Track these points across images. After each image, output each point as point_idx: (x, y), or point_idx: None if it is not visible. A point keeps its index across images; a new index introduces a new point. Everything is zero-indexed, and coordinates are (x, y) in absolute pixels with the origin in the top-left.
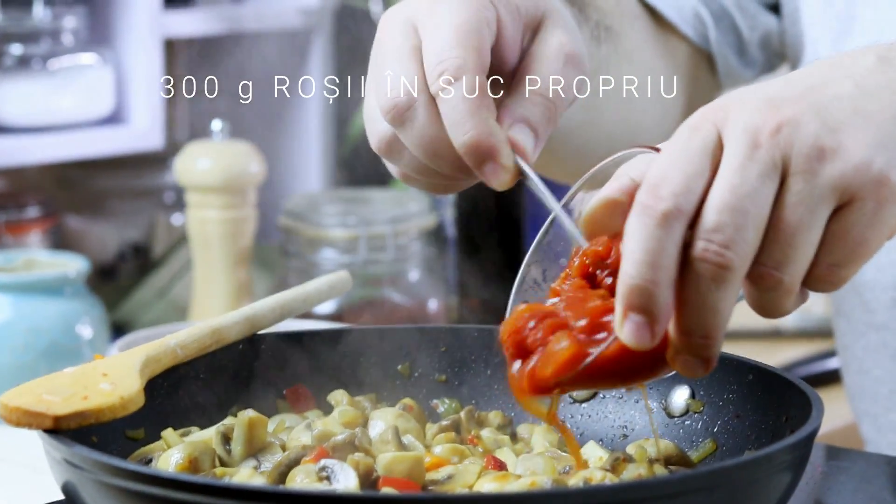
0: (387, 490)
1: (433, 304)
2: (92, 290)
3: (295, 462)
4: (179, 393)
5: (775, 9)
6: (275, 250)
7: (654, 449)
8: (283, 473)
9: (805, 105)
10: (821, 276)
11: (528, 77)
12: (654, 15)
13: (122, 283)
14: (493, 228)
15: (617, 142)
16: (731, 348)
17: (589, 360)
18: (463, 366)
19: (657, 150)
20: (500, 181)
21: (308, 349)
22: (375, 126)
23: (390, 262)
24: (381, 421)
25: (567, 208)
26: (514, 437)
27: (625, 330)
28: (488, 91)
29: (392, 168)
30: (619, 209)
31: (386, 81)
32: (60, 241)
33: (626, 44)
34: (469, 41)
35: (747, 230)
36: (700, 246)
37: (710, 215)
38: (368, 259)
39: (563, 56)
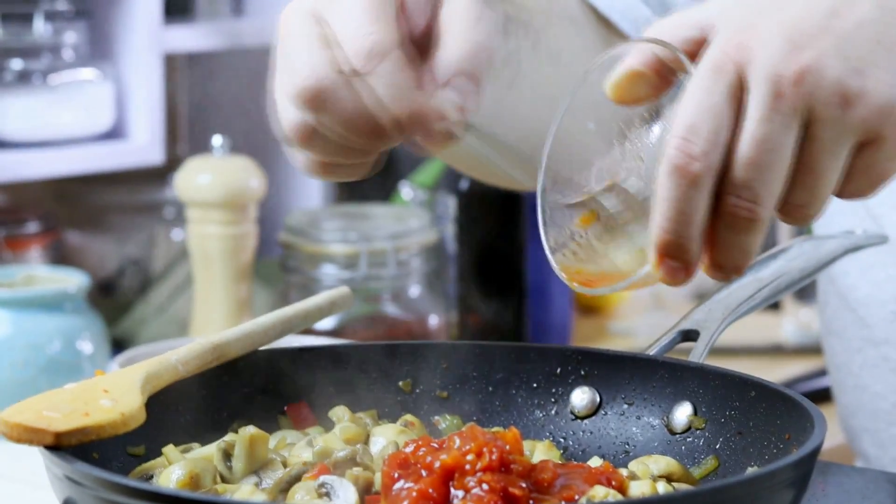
0: None
1: (434, 320)
2: (92, 306)
3: (296, 478)
4: (180, 409)
5: None
6: (275, 266)
7: (656, 466)
8: (283, 490)
9: (827, 42)
10: (843, 196)
11: (442, 37)
12: (604, 22)
13: (122, 298)
14: (493, 244)
15: (537, 140)
16: (731, 364)
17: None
18: (464, 382)
19: (664, 44)
20: (449, 139)
21: (309, 365)
22: (287, 116)
23: (391, 278)
24: (383, 437)
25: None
26: None
27: (661, 272)
28: (414, 59)
29: (302, 159)
30: (644, 80)
31: (300, 69)
32: (60, 256)
33: (551, 43)
34: (383, 16)
35: (773, 182)
36: (731, 202)
37: (738, 171)
38: (369, 275)
39: (472, 16)
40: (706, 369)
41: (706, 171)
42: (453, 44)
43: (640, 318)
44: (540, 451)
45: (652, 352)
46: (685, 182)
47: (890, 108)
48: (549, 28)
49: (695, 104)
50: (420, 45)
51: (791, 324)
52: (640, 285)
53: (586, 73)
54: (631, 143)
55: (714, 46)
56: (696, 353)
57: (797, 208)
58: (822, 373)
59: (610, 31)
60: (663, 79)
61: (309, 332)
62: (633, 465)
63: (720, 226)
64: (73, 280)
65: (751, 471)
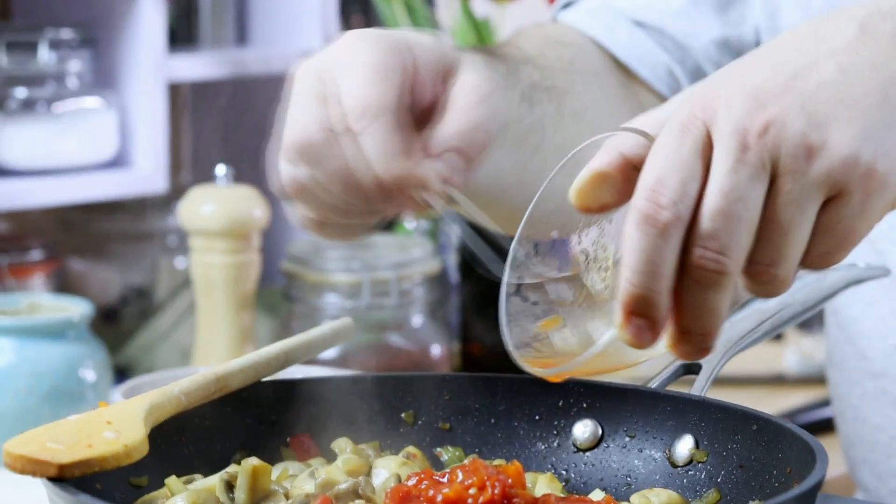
0: None
1: (436, 350)
2: (95, 334)
3: None
4: (183, 440)
5: None
6: (278, 294)
7: (658, 499)
8: None
9: (790, 100)
10: (812, 263)
11: (445, 111)
12: (624, 69)
13: (125, 326)
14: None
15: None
16: (733, 394)
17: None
18: (466, 414)
19: (643, 133)
20: (428, 208)
21: (311, 397)
22: (282, 169)
23: (394, 308)
24: (385, 469)
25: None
26: None
27: (627, 333)
28: (408, 127)
29: (297, 215)
30: (609, 183)
31: (293, 124)
32: (63, 283)
33: (575, 103)
34: (388, 79)
35: (741, 234)
36: (697, 253)
37: (705, 222)
38: (372, 304)
39: (477, 96)
40: (708, 402)
41: (675, 221)
42: (453, 119)
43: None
44: (542, 484)
45: (654, 384)
46: (654, 231)
47: (854, 161)
48: (573, 87)
49: (663, 158)
50: (424, 117)
51: (793, 354)
52: (600, 361)
53: (554, 171)
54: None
55: (681, 107)
56: (698, 387)
57: (764, 270)
58: (824, 403)
59: (630, 78)
60: (628, 182)
61: (311, 361)
62: (635, 499)
63: (687, 283)
64: (76, 308)
65: None
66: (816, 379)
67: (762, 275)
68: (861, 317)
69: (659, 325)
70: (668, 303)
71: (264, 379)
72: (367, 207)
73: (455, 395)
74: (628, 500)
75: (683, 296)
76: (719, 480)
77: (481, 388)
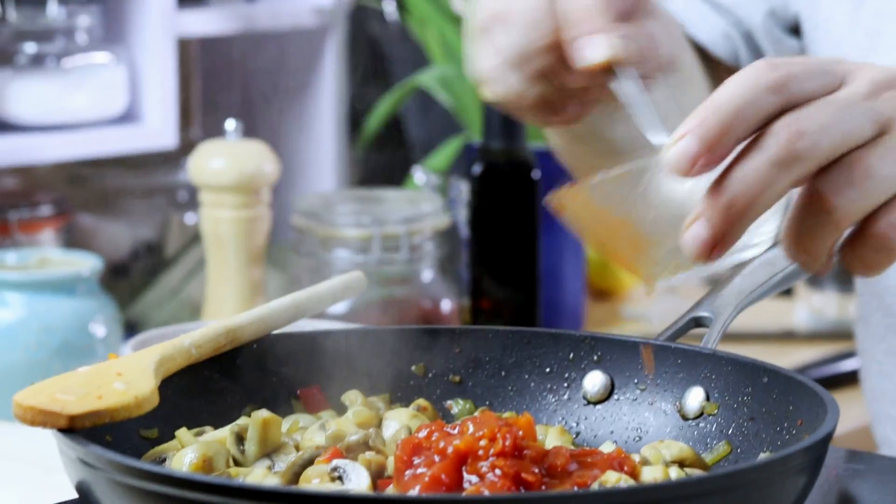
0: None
1: (446, 305)
2: (105, 289)
3: (308, 462)
4: (193, 392)
5: (796, 31)
6: (288, 250)
7: (668, 451)
8: (296, 473)
9: None
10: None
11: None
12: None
13: (135, 281)
14: (506, 229)
15: None
16: (743, 350)
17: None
18: (477, 367)
19: None
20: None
21: (322, 349)
22: (504, 77)
23: (404, 263)
24: (396, 421)
25: None
26: None
27: (675, 147)
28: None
29: (523, 105)
30: None
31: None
32: (73, 239)
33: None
34: None
35: (828, 144)
36: (780, 122)
37: (804, 112)
38: (382, 259)
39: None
40: (718, 355)
41: (782, 85)
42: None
43: (653, 303)
44: (552, 437)
45: (664, 337)
46: (761, 82)
47: None
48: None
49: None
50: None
51: (803, 310)
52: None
53: None
54: None
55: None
56: (709, 339)
57: (827, 198)
58: (834, 359)
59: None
60: None
61: (322, 316)
62: (646, 451)
63: (751, 147)
64: (86, 263)
65: (763, 456)
66: (827, 335)
67: (824, 202)
68: (889, 272)
69: (703, 155)
70: (727, 148)
71: (274, 332)
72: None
73: (466, 349)
74: (639, 453)
75: (739, 157)
76: (730, 433)
77: (492, 342)
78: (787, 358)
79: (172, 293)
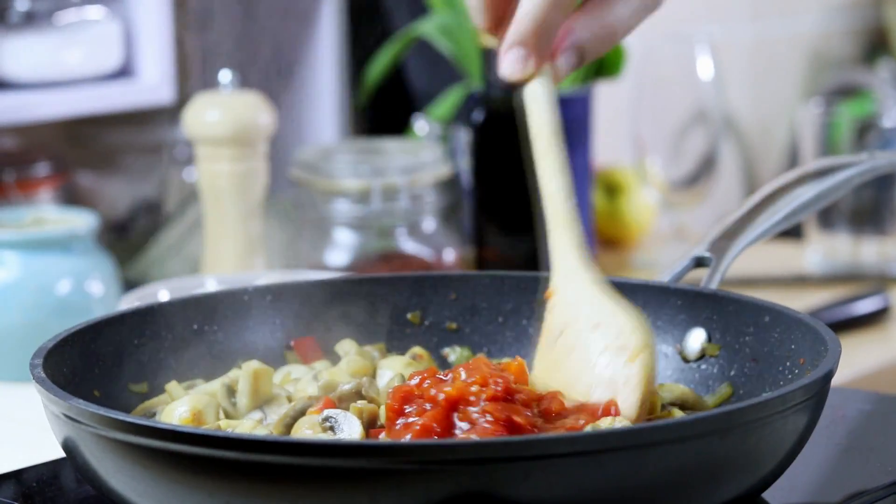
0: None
1: (449, 255)
2: (105, 248)
3: (300, 413)
4: (184, 345)
5: None
6: (288, 204)
7: (669, 394)
8: (288, 425)
9: None
10: None
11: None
12: None
13: (136, 239)
14: (509, 177)
15: None
16: (755, 295)
17: None
18: (474, 314)
19: None
20: (513, 71)
21: (316, 299)
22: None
23: (405, 213)
24: (390, 370)
25: None
26: None
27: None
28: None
29: None
30: None
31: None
32: (72, 198)
33: None
34: None
35: None
36: None
37: None
38: (382, 210)
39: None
40: (719, 295)
41: None
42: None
43: (663, 250)
44: None
45: (665, 279)
46: None
47: None
48: None
49: None
50: None
51: (815, 253)
52: None
53: None
54: None
55: None
56: (710, 280)
57: None
58: (847, 301)
59: None
60: None
61: (321, 267)
62: None
63: None
64: (82, 221)
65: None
66: (841, 277)
67: None
68: None
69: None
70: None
71: (265, 282)
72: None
73: (462, 295)
74: None
75: None
76: (732, 374)
77: (488, 287)
78: (799, 301)
79: (173, 250)
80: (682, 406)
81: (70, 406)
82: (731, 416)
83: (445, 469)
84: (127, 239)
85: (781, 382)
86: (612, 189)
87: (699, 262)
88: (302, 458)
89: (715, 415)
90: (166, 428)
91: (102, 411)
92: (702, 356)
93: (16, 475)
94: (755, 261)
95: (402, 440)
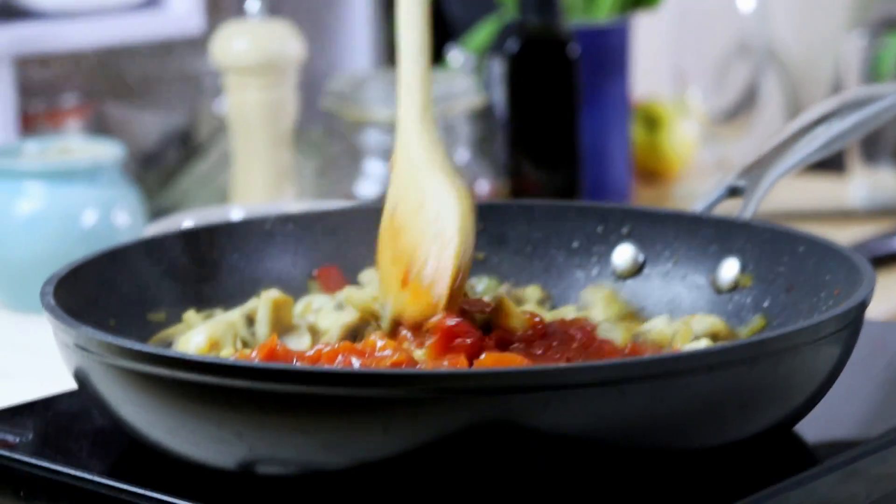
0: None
1: (482, 187)
2: (134, 179)
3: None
4: (204, 274)
5: None
6: (319, 135)
7: (700, 325)
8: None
9: None
10: None
11: None
12: None
13: (166, 170)
14: (546, 108)
15: None
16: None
17: None
18: (502, 243)
19: None
20: None
21: (340, 228)
22: None
23: None
24: None
25: None
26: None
27: None
28: None
29: None
30: None
31: None
32: (101, 129)
33: None
34: None
35: None
36: None
37: None
38: None
39: None
40: (753, 225)
41: None
42: None
43: (704, 183)
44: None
45: (698, 209)
46: None
47: None
48: None
49: None
50: None
51: (859, 186)
52: None
53: None
54: None
55: None
56: (744, 209)
57: None
58: (892, 234)
59: None
60: None
61: (352, 199)
62: (677, 325)
63: None
64: (108, 151)
65: None
66: (884, 212)
67: None
68: None
69: None
70: None
71: (288, 211)
72: None
73: (490, 224)
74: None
75: None
76: (766, 306)
77: (517, 216)
78: (840, 235)
79: (204, 181)
80: (714, 338)
81: (80, 334)
82: (760, 345)
83: (463, 398)
84: (157, 170)
85: (816, 313)
86: (652, 122)
87: (733, 192)
88: (314, 386)
89: (743, 344)
90: (172, 356)
91: (114, 340)
92: (735, 287)
93: (30, 407)
94: (796, 194)
95: (416, 369)
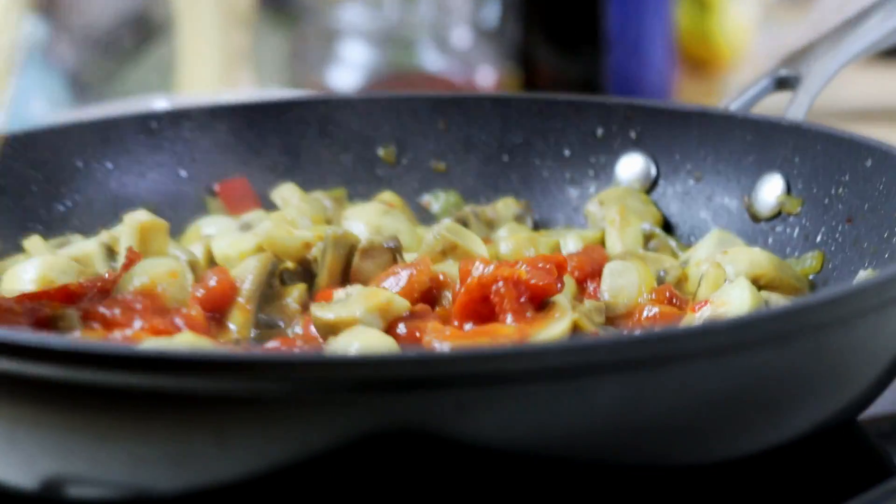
0: None
1: (485, 76)
2: (86, 63)
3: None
4: (62, 188)
5: None
6: (288, 12)
7: (733, 266)
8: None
9: None
10: None
11: None
12: None
13: (121, 54)
14: None
15: None
16: (852, 128)
17: None
18: (469, 149)
19: None
20: None
21: (249, 127)
22: None
23: (429, 22)
24: (360, 221)
25: None
26: (537, 228)
27: None
28: None
29: None
30: None
31: None
32: (51, 9)
33: None
34: None
35: None
36: None
37: None
38: (401, 19)
39: None
40: (805, 128)
41: None
42: None
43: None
44: (573, 240)
45: (732, 107)
46: None
47: None
48: None
49: None
50: None
51: None
52: None
53: None
54: None
55: None
56: (796, 107)
57: None
58: None
59: None
60: None
61: (325, 88)
62: (704, 265)
63: None
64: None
65: (862, 276)
66: None
67: None
68: None
69: None
70: None
71: (183, 106)
72: None
73: (454, 124)
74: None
75: None
76: (818, 240)
77: (489, 113)
78: None
79: (162, 68)
80: (757, 282)
81: None
82: (801, 314)
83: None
84: (111, 55)
85: (886, 254)
86: (702, 3)
87: (780, 84)
88: (101, 373)
89: (780, 312)
90: None
91: None
92: (777, 214)
93: None
94: (863, 89)
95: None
